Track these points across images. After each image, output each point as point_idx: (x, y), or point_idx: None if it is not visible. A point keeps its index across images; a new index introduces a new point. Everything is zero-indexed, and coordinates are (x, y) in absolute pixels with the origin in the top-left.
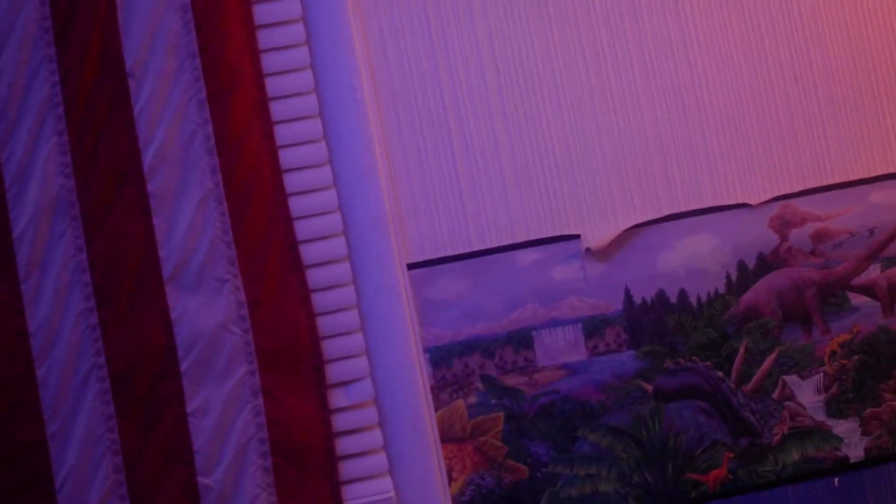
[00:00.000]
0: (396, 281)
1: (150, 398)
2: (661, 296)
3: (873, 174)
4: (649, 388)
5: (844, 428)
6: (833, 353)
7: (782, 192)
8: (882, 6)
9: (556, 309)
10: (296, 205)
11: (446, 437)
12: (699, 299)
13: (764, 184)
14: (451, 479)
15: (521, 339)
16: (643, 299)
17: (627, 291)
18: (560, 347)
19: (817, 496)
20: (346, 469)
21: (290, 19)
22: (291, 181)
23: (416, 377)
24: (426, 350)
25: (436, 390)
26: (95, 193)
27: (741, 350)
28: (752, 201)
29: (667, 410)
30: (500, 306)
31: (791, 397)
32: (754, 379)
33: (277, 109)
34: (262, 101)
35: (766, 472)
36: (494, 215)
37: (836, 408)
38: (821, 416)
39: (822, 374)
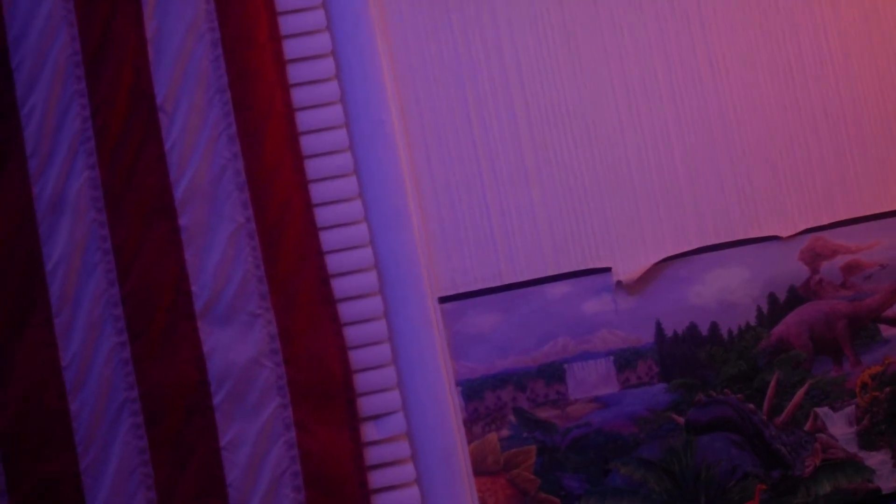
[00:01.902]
0: (428, 314)
1: (182, 432)
2: (693, 328)
3: None
4: (681, 420)
5: (877, 460)
6: (864, 385)
7: (813, 225)
8: None
9: (588, 342)
10: (327, 238)
11: (479, 470)
12: (730, 332)
13: (794, 216)
14: None
15: (553, 373)
16: (674, 332)
17: (659, 324)
18: (592, 380)
19: None
20: (379, 502)
21: (320, 54)
22: (322, 215)
23: (449, 410)
24: (458, 383)
25: (468, 423)
26: (127, 227)
27: (772, 382)
28: (783, 234)
29: (699, 443)
30: (532, 339)
31: (823, 429)
32: (786, 411)
33: (308, 144)
34: (292, 136)
35: (798, 503)
36: (525, 249)
37: (867, 439)
38: (853, 448)
39: (853, 406)
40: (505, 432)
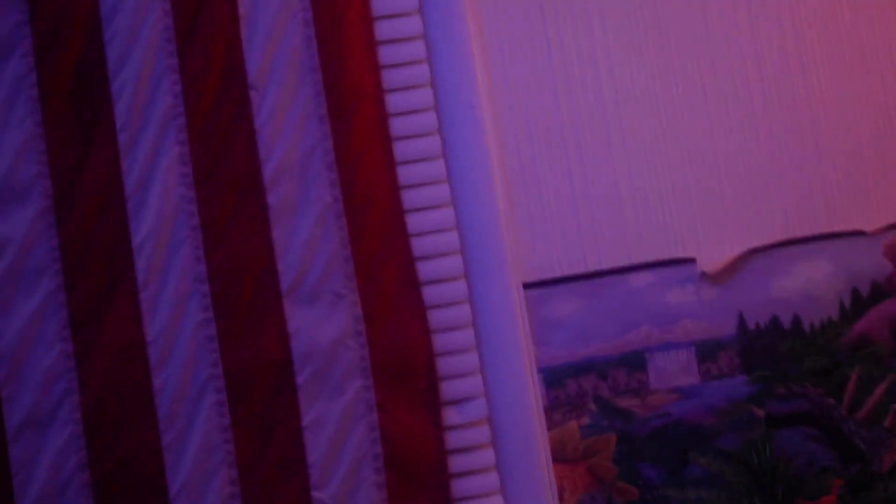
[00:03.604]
0: (512, 300)
1: (265, 411)
2: (775, 321)
3: None
4: (761, 413)
5: None
6: None
7: None
8: None
9: (670, 332)
10: (413, 222)
11: (558, 458)
12: (812, 326)
13: (880, 211)
14: (561, 500)
15: (635, 361)
16: (756, 324)
17: (741, 316)
18: (673, 370)
19: None
20: (458, 487)
21: (411, 36)
22: (409, 198)
23: (530, 397)
24: (540, 370)
25: (549, 410)
26: (215, 205)
27: (853, 377)
28: (868, 228)
29: (778, 436)
30: (614, 328)
31: None
32: (865, 407)
33: (396, 126)
34: (382, 118)
35: (876, 499)
36: (610, 237)
37: None
38: None
39: None
40: (585, 420)
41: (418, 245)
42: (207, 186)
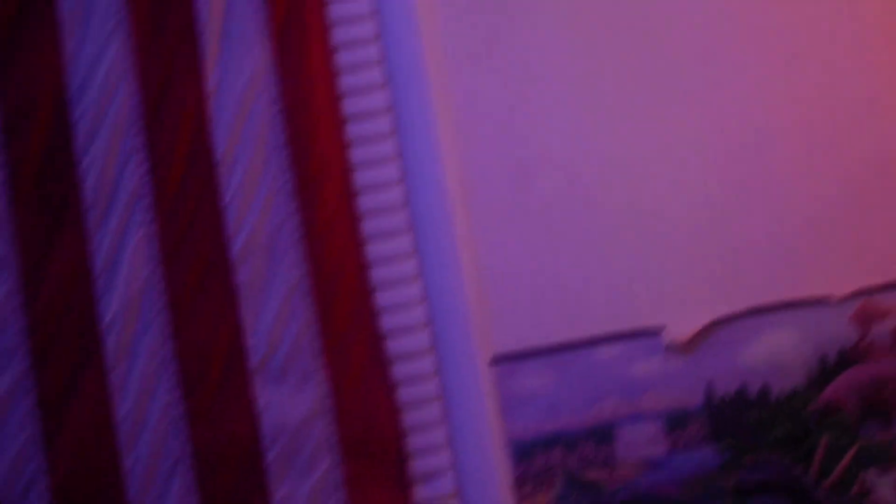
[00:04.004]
0: (479, 374)
1: (235, 489)
2: (742, 390)
3: None
4: (730, 483)
5: None
6: None
7: (864, 287)
8: None
9: (638, 403)
10: (381, 297)
11: None
12: (780, 394)
13: (846, 277)
14: None
15: (603, 434)
16: (724, 394)
17: (709, 386)
18: (641, 442)
19: None
20: None
21: (378, 110)
22: (377, 273)
23: (498, 471)
24: (508, 444)
25: (517, 484)
26: (183, 283)
27: (821, 445)
28: (834, 295)
29: None
30: (582, 400)
31: (871, 493)
32: (834, 474)
33: (364, 201)
34: (349, 194)
35: None
36: (577, 309)
37: None
38: None
39: None
40: (554, 493)
41: (386, 320)
42: (175, 265)
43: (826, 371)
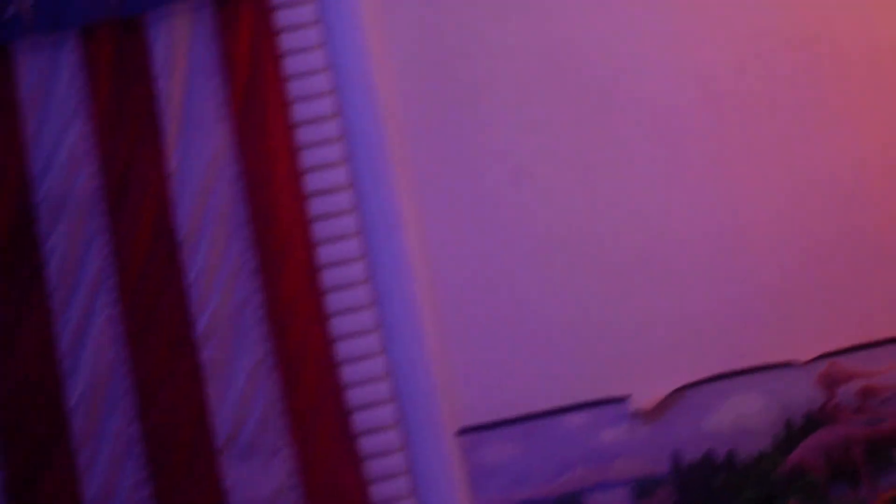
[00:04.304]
0: (446, 447)
1: None
2: (709, 456)
3: None
4: None
5: None
6: None
7: (828, 350)
8: None
9: (605, 471)
10: (346, 372)
11: None
12: (746, 459)
13: (810, 341)
14: None
15: (571, 502)
16: (692, 459)
17: (675, 452)
18: None
19: None
20: None
21: (340, 186)
22: (342, 349)
23: None
24: None
25: None
26: (149, 363)
27: None
28: (799, 359)
29: None
30: (550, 470)
31: None
32: None
33: (327, 277)
34: (312, 271)
35: None
36: (543, 378)
37: None
38: None
39: None
40: None
41: (352, 395)
42: (140, 346)
43: (792, 434)
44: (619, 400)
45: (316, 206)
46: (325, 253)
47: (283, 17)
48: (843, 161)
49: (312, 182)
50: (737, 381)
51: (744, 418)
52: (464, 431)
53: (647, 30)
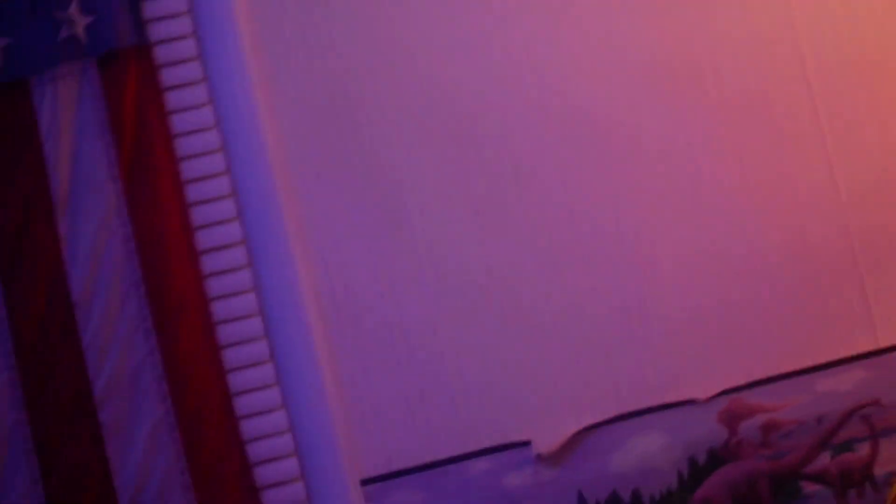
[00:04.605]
0: (351, 497)
1: None
2: (615, 497)
3: (817, 362)
4: None
5: None
6: None
7: (729, 386)
8: (817, 198)
9: None
10: (246, 427)
11: None
12: (652, 498)
13: (711, 378)
14: None
15: None
16: (596, 501)
17: (580, 494)
18: None
19: None
20: None
21: (233, 242)
22: (241, 404)
23: None
24: None
25: None
26: (48, 426)
27: None
28: (700, 396)
29: None
30: None
31: None
32: None
33: (224, 332)
34: (208, 327)
35: None
36: (445, 426)
37: None
38: None
39: None
40: None
41: (254, 450)
42: (40, 408)
43: (697, 471)
44: (522, 444)
45: (210, 263)
46: (220, 309)
47: (169, 75)
48: (752, 210)
49: (205, 239)
50: (639, 421)
51: (648, 457)
52: (368, 481)
53: (537, 66)
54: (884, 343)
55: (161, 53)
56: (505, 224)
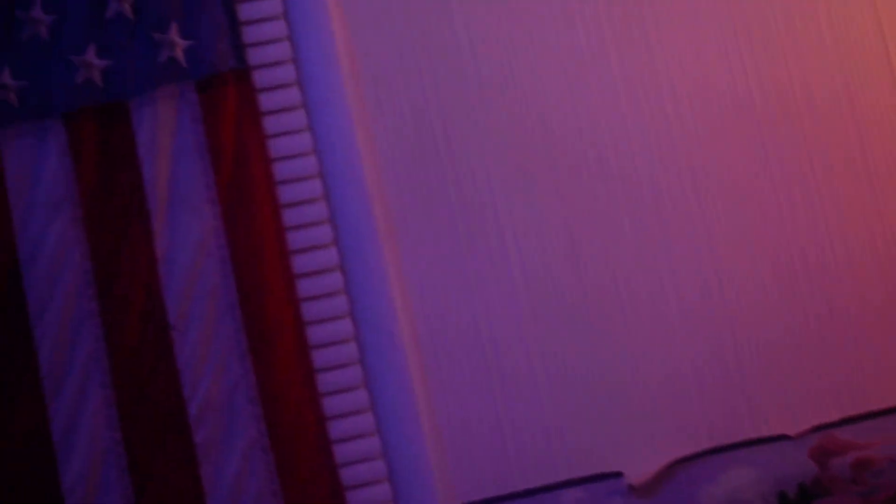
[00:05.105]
0: None
1: None
2: None
3: None
4: None
5: None
6: None
7: (821, 422)
8: None
9: None
10: (340, 451)
11: None
12: None
13: (803, 414)
14: None
15: None
16: None
17: None
18: None
19: None
20: None
21: (329, 267)
22: (334, 427)
23: None
24: None
25: None
26: (143, 445)
27: None
28: (792, 432)
29: None
30: None
31: None
32: None
33: (318, 358)
34: (302, 351)
35: None
36: (538, 454)
37: None
38: None
39: None
40: None
41: (346, 474)
42: (134, 428)
43: None
44: (614, 475)
45: (305, 287)
46: (315, 333)
47: (267, 100)
48: (832, 236)
49: (301, 263)
50: (730, 455)
51: (738, 492)
52: None
53: (629, 105)
54: None
55: (260, 78)
56: (600, 253)
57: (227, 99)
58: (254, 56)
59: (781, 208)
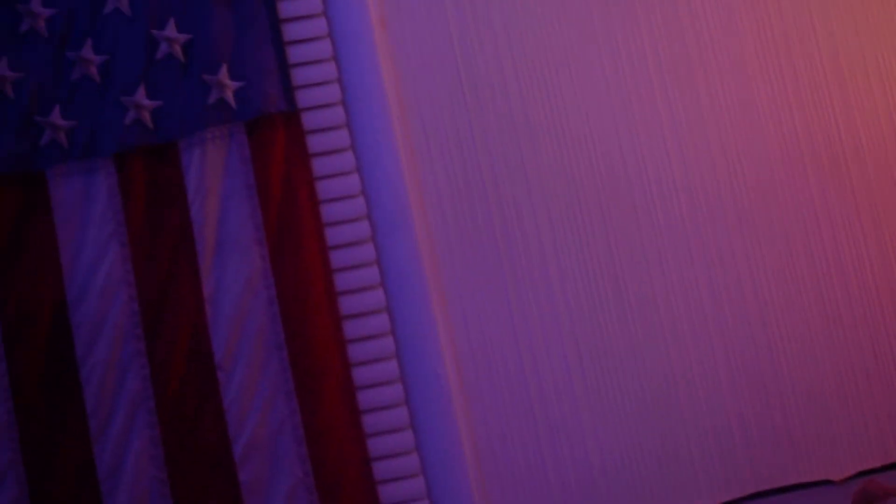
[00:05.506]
0: None
1: None
2: None
3: None
4: None
5: None
6: None
7: (865, 467)
8: None
9: None
10: (384, 493)
11: None
12: None
13: (846, 459)
14: None
15: None
16: None
17: None
18: None
19: None
20: None
21: (376, 309)
22: (379, 469)
23: None
24: None
25: None
26: (188, 485)
27: None
28: (835, 477)
29: None
30: None
31: None
32: None
33: (363, 399)
34: (349, 392)
35: None
36: (578, 493)
37: None
38: None
39: None
40: None
41: None
42: (179, 467)
43: None
44: None
45: (352, 329)
46: (361, 374)
47: (316, 142)
48: (878, 283)
49: (348, 305)
50: (775, 500)
51: None
52: None
53: (676, 151)
54: None
55: (309, 120)
56: (647, 296)
57: (276, 141)
58: (303, 98)
59: (828, 256)
